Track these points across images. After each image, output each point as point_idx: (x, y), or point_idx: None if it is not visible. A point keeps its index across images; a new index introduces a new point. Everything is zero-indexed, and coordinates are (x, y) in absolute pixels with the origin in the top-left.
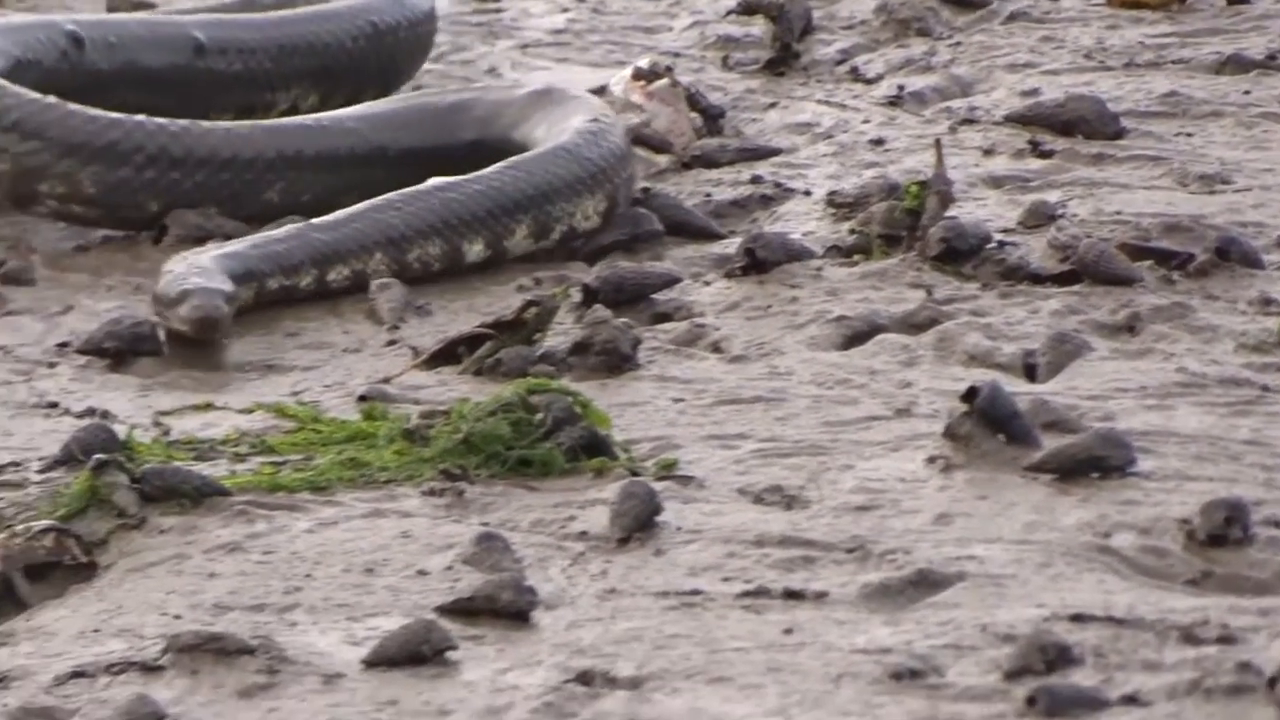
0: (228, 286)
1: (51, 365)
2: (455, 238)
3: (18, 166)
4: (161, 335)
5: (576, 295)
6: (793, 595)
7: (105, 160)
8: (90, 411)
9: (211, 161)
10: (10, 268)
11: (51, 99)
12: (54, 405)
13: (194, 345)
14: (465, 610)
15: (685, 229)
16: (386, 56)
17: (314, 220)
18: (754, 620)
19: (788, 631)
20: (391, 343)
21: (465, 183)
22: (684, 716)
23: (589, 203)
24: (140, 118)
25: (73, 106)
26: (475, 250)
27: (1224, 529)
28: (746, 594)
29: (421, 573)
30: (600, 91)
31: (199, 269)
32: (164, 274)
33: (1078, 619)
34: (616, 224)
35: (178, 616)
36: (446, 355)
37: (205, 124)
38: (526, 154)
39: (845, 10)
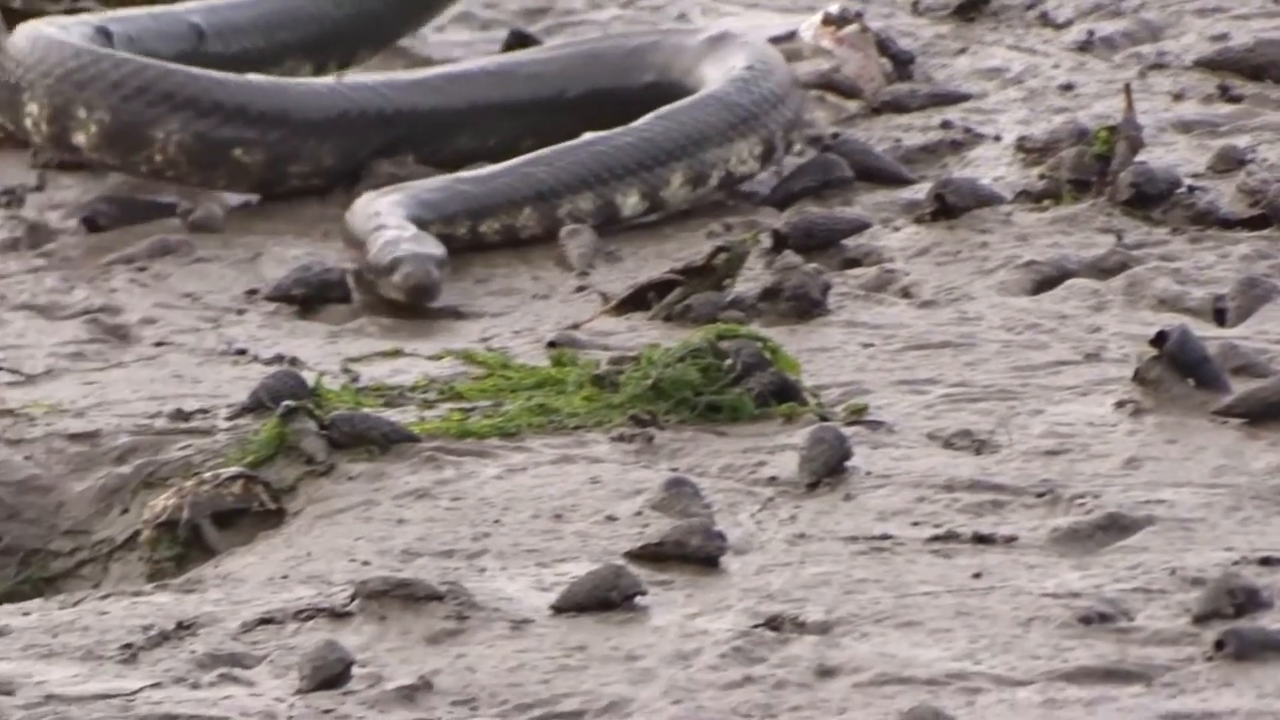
0: (439, 251)
1: (240, 312)
2: (608, 191)
3: (271, 154)
4: (351, 282)
5: (766, 241)
6: (982, 540)
7: (342, 131)
8: (279, 358)
9: (412, 113)
10: (199, 216)
11: (273, 78)
12: (242, 352)
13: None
14: (654, 556)
15: (875, 174)
16: (372, 19)
17: (463, 174)
18: (943, 564)
19: (977, 576)
20: (581, 289)
21: (615, 135)
22: (873, 661)
23: (743, 146)
24: (342, 81)
25: (289, 82)
26: (631, 203)
27: None
28: (936, 538)
29: (610, 518)
30: (790, 37)
31: (412, 235)
32: (370, 237)
33: (1267, 562)
34: (806, 170)
35: (366, 563)
36: (636, 301)
37: (401, 76)
38: (676, 103)
39: None
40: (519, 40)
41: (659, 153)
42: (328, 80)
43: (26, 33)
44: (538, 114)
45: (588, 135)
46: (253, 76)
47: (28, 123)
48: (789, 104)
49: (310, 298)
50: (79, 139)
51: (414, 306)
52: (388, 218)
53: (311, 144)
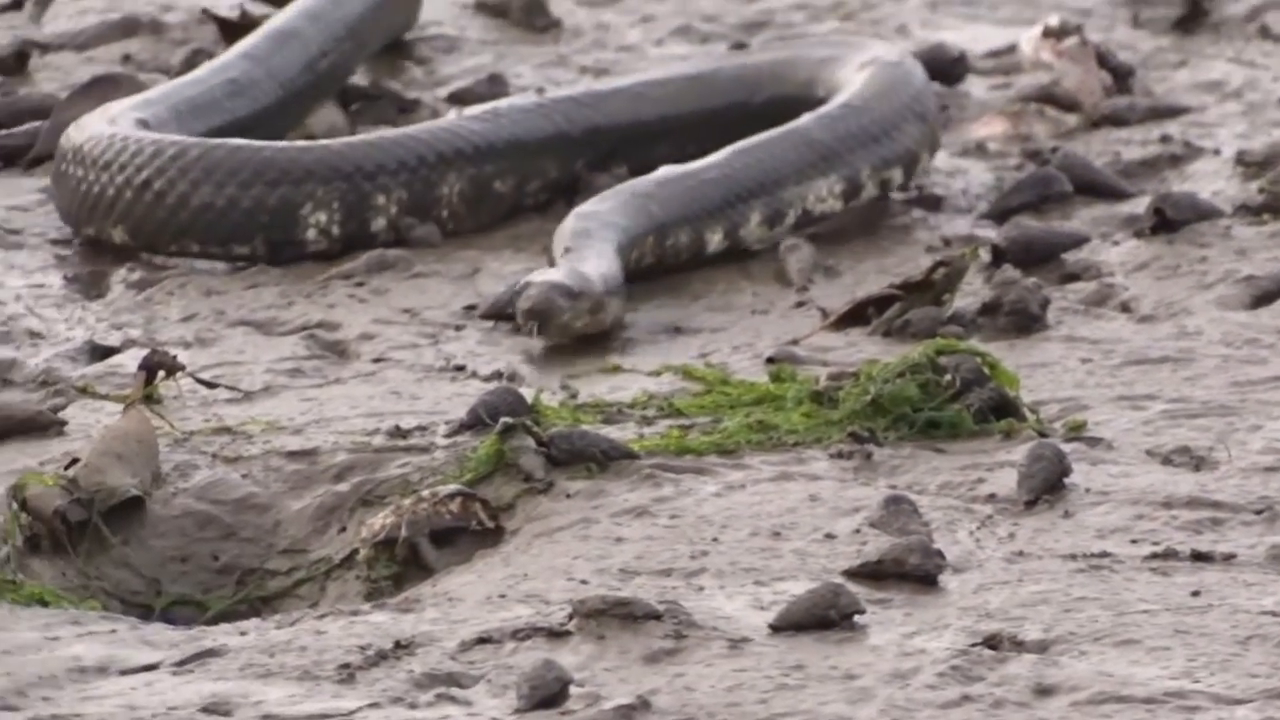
0: (573, 283)
1: (458, 328)
2: (700, 227)
3: (518, 179)
4: None
5: (985, 256)
6: (1200, 557)
7: (560, 147)
8: (497, 375)
9: (619, 126)
10: (419, 232)
11: (485, 108)
12: (461, 368)
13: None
14: (873, 574)
15: (1094, 188)
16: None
17: (584, 209)
18: (1161, 583)
19: (1195, 594)
20: (800, 304)
21: (702, 170)
22: (1090, 680)
23: (822, 184)
24: (545, 96)
25: (504, 108)
26: (715, 240)
27: None
28: (1154, 556)
29: (829, 536)
30: (1010, 50)
31: (565, 269)
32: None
33: None
34: (1025, 184)
35: (584, 581)
36: (855, 316)
37: (602, 88)
38: (759, 137)
39: None
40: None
41: (741, 189)
42: (531, 98)
43: (259, 150)
44: (729, 121)
45: (673, 168)
46: (469, 111)
47: (310, 234)
48: (888, 141)
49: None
50: (378, 225)
51: (541, 335)
52: (578, 247)
53: (541, 162)
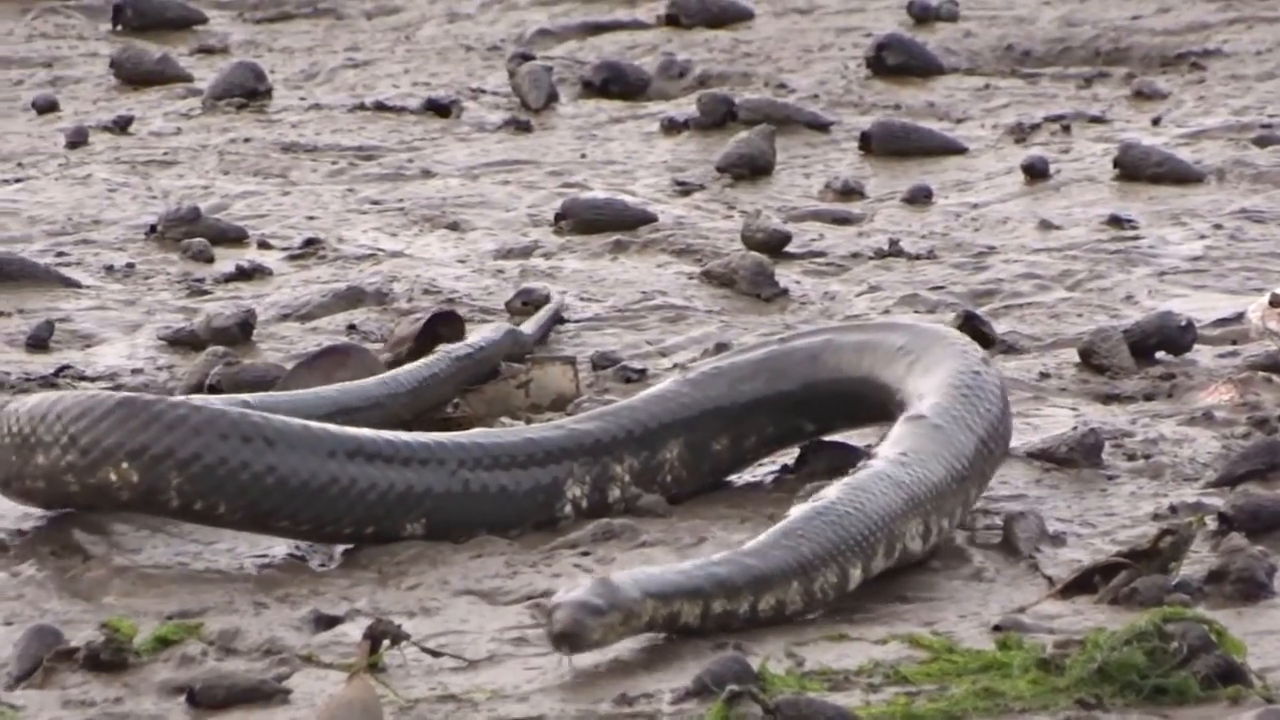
0: (600, 601)
1: None
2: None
3: (695, 448)
4: None
5: (1212, 523)
6: None
7: (780, 407)
8: (724, 643)
9: (834, 381)
10: (645, 501)
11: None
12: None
13: None
14: None
15: None
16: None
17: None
18: None
19: None
20: (1027, 572)
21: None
22: None
23: (868, 566)
24: (768, 349)
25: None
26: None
27: None
28: None
29: None
30: (1238, 319)
31: (598, 584)
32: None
33: None
34: (1252, 453)
35: None
36: (1082, 584)
37: (787, 346)
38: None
39: None
40: (970, 321)
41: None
42: (752, 353)
43: (521, 432)
44: (873, 397)
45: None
46: (689, 374)
47: (567, 509)
48: (883, 531)
49: None
50: (614, 495)
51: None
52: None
53: (756, 420)
